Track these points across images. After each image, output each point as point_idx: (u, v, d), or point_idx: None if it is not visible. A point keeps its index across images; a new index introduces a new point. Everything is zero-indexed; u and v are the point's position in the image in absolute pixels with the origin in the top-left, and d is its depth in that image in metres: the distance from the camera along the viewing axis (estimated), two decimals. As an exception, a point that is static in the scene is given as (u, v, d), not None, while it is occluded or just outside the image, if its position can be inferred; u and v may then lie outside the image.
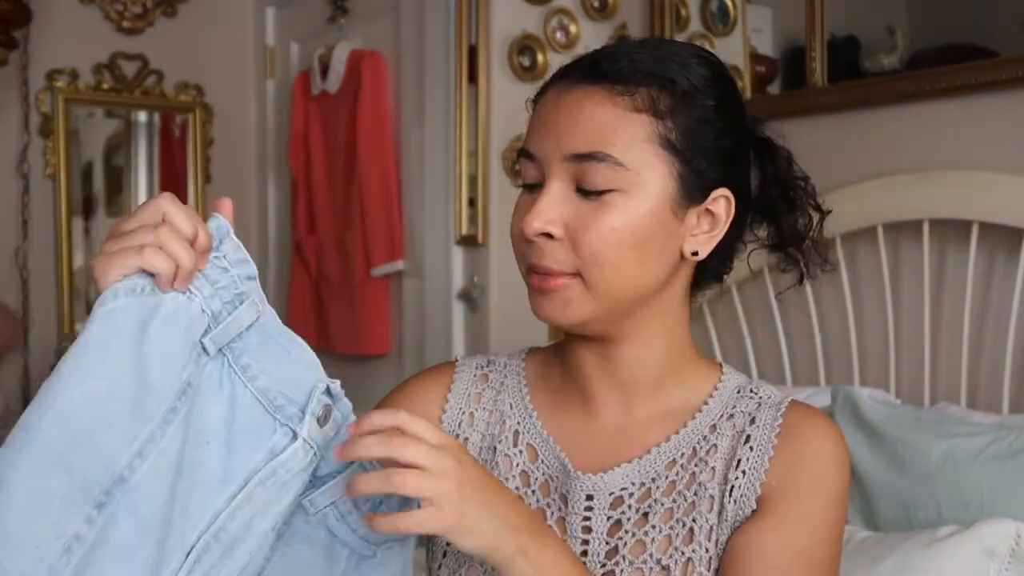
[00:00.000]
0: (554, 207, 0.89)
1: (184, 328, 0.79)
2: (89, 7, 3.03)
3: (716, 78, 0.94)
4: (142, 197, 3.29)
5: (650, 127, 0.89)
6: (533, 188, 0.92)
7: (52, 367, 2.62)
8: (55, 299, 2.97)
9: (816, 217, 1.01)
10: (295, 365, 0.84)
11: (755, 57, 2.41)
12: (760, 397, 0.97)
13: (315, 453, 0.83)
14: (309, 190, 2.96)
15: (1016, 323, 1.79)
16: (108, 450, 0.76)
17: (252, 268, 0.83)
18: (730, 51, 2.45)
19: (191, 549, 0.79)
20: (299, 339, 0.84)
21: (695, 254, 0.93)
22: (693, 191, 0.91)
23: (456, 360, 1.07)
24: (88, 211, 3.20)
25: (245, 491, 0.81)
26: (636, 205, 0.89)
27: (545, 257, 0.90)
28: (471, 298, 2.49)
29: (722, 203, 0.93)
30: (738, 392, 0.98)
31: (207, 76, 3.22)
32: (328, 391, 0.84)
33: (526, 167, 0.93)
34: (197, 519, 0.80)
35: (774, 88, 2.35)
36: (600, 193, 0.88)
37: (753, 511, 0.91)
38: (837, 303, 2.07)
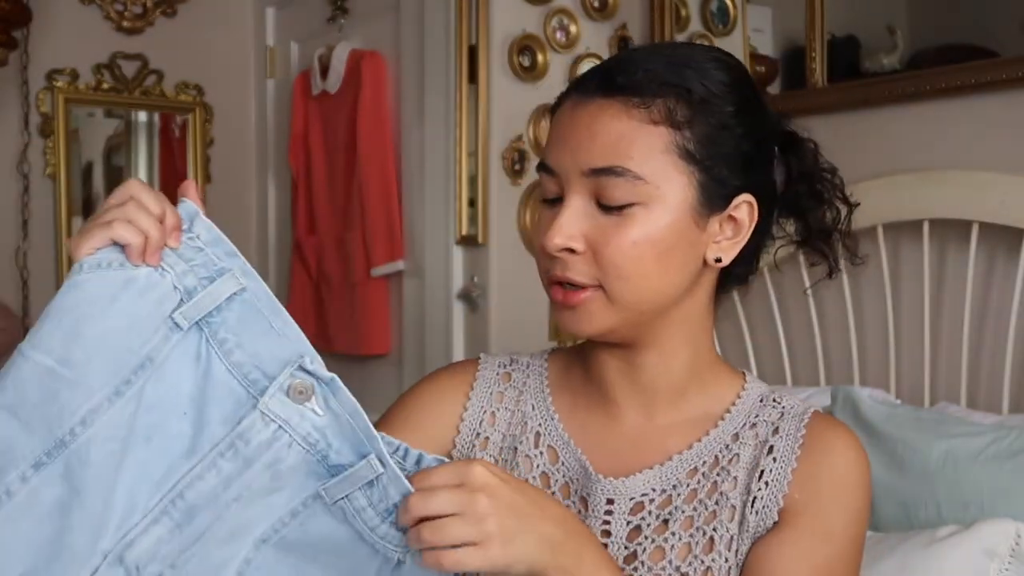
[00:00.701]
0: (575, 222, 0.89)
1: (154, 302, 0.82)
2: (89, 7, 3.03)
3: (735, 83, 0.93)
4: (142, 197, 3.29)
5: (668, 138, 0.88)
6: (554, 202, 0.92)
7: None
8: (55, 299, 2.97)
9: (844, 210, 1.01)
10: (278, 340, 0.84)
11: (755, 57, 2.41)
12: (783, 407, 0.97)
13: (279, 427, 0.83)
14: (309, 190, 2.96)
15: (1016, 323, 1.79)
16: (52, 417, 0.80)
17: (230, 245, 0.86)
18: (730, 51, 2.45)
19: (150, 511, 0.82)
20: (287, 315, 0.85)
21: (718, 261, 0.93)
22: (714, 199, 0.91)
23: (479, 358, 1.07)
24: (88, 211, 3.20)
25: (206, 461, 0.83)
26: (657, 218, 0.88)
27: (568, 270, 0.90)
28: (471, 298, 2.49)
29: (745, 209, 0.93)
30: (761, 401, 0.98)
31: (207, 76, 3.22)
32: (303, 368, 0.83)
33: (546, 181, 0.93)
34: (161, 484, 0.82)
35: (774, 88, 2.35)
36: (620, 208, 0.88)
37: (775, 522, 0.91)
38: (837, 303, 2.06)
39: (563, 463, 0.98)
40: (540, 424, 1.00)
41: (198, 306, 0.83)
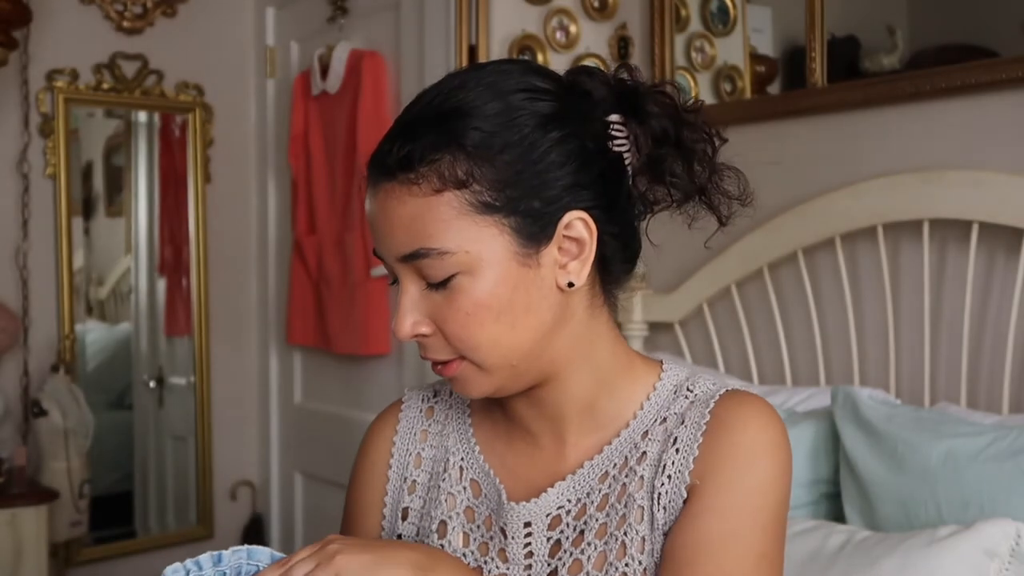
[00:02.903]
0: (414, 308, 0.88)
1: None
2: (89, 7, 3.03)
3: (524, 101, 0.86)
4: (142, 197, 3.30)
5: (456, 201, 0.84)
6: (397, 283, 0.91)
7: (52, 367, 2.63)
8: (55, 299, 2.97)
9: (710, 149, 0.91)
10: None
11: (755, 57, 2.41)
12: (695, 394, 0.93)
13: None
14: (309, 190, 2.96)
15: (1016, 323, 1.79)
16: None
17: None
18: (730, 51, 2.45)
19: None
20: None
21: (571, 285, 0.88)
22: (536, 234, 0.86)
23: (403, 398, 1.07)
24: (88, 211, 3.20)
25: None
26: (482, 281, 0.85)
27: (428, 351, 0.90)
28: (471, 298, 2.48)
29: (578, 225, 0.87)
30: (675, 392, 0.94)
31: (207, 76, 3.22)
32: None
33: (385, 264, 0.91)
34: None
35: (774, 88, 2.35)
36: (444, 282, 0.86)
37: (681, 510, 0.88)
38: (837, 303, 2.06)
39: (485, 495, 0.97)
40: (462, 458, 0.99)
41: None
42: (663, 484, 0.89)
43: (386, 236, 0.87)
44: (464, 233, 0.84)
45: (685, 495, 0.88)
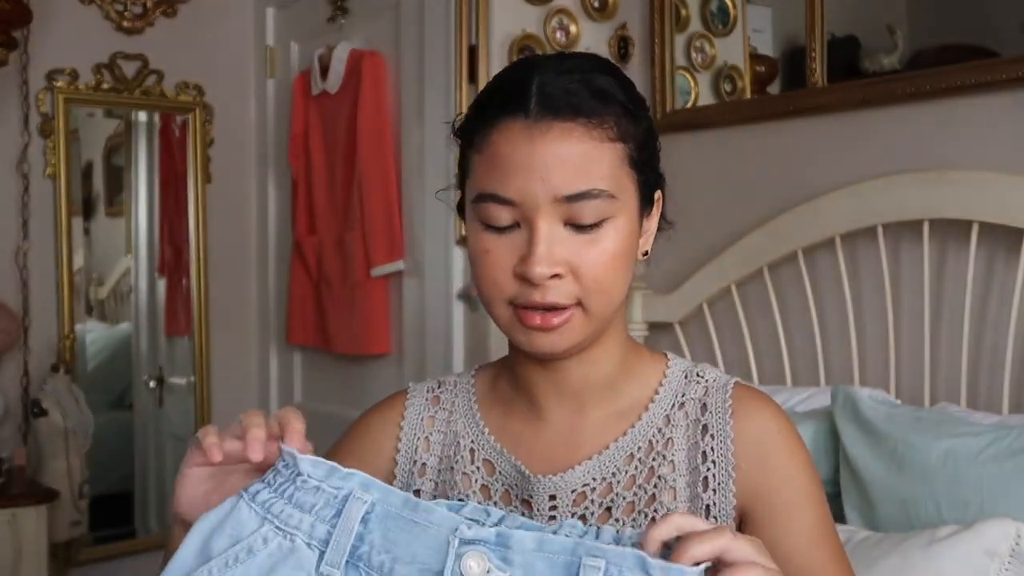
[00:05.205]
0: (553, 248, 0.89)
1: (295, 569, 0.79)
2: (89, 7, 3.03)
3: (633, 87, 0.97)
4: (142, 197, 3.30)
5: (622, 152, 0.91)
6: (504, 229, 0.90)
7: (52, 367, 2.62)
8: (55, 299, 2.97)
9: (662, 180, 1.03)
10: (427, 531, 0.78)
11: (755, 57, 2.41)
12: (707, 380, 1.00)
13: None
14: (309, 190, 2.96)
15: (1016, 323, 1.78)
16: None
17: (341, 469, 0.81)
18: (730, 51, 2.45)
19: None
20: (417, 499, 0.80)
21: (646, 254, 0.98)
22: (648, 199, 0.96)
23: (408, 388, 1.09)
24: (88, 211, 3.20)
25: None
26: (622, 227, 0.91)
27: (551, 294, 0.90)
28: (471, 298, 2.48)
29: (657, 203, 0.99)
30: (686, 377, 1.01)
31: (207, 76, 3.22)
32: (463, 540, 0.76)
33: (496, 210, 0.90)
34: None
35: (774, 88, 2.35)
36: (596, 225, 0.90)
37: (733, 494, 0.94)
38: (837, 303, 2.06)
39: (500, 473, 1.00)
40: (473, 441, 1.02)
41: (338, 548, 0.78)
42: (709, 469, 0.95)
43: (553, 174, 0.88)
44: (622, 181, 0.91)
45: (733, 475, 0.95)
